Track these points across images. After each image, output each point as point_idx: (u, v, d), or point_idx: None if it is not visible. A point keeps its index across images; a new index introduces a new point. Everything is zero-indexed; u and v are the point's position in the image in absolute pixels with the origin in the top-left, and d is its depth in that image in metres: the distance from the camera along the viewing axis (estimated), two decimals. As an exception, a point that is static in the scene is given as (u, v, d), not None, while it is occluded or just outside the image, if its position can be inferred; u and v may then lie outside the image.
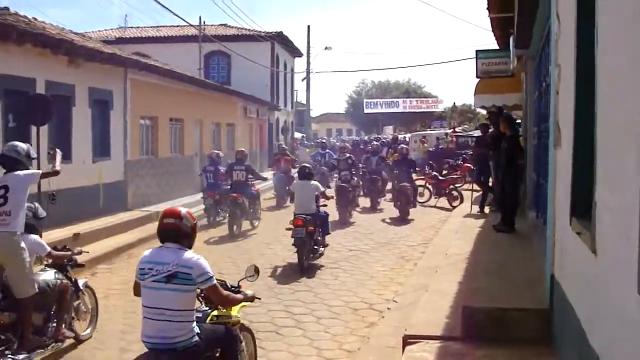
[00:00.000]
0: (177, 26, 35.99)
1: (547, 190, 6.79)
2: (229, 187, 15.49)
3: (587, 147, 4.12)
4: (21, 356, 5.89)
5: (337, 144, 37.22)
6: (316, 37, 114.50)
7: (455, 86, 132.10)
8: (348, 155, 18.92)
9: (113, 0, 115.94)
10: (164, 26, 37.96)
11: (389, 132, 57.05)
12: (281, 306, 8.48)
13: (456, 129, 35.91)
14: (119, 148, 16.40)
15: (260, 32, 36.56)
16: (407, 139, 34.59)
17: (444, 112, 63.37)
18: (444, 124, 53.02)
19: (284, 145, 25.30)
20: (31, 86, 12.37)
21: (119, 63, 16.01)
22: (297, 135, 45.82)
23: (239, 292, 5.08)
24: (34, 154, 6.79)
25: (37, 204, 6.99)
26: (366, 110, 64.61)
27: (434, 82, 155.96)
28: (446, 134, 34.29)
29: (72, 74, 13.92)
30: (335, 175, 19.76)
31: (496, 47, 16.23)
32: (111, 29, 39.15)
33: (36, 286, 6.17)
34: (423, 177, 20.19)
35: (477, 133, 23.63)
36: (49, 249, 6.65)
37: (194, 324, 4.50)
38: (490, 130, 14.07)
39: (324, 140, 32.47)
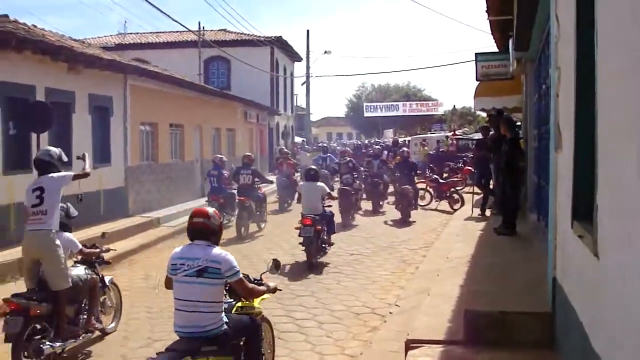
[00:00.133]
0: (177, 32, 36.01)
1: (548, 193, 6.77)
2: (235, 190, 15.91)
3: (588, 149, 4.11)
4: (57, 344, 6.37)
5: (338, 147, 37.23)
6: (315, 42, 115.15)
7: (455, 89, 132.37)
8: (349, 159, 18.99)
9: (112, 6, 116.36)
10: (163, 32, 37.94)
11: (389, 135, 57.05)
12: (283, 311, 8.46)
13: (456, 132, 35.90)
14: (119, 154, 16.40)
15: (259, 37, 36.62)
16: (408, 142, 34.58)
17: (444, 115, 63.40)
18: (444, 126, 53.13)
19: (286, 150, 25.37)
20: (31, 93, 12.38)
21: (119, 69, 16.01)
22: (298, 139, 45.82)
23: (261, 284, 5.51)
24: (65, 158, 7.22)
25: (68, 204, 7.48)
26: (366, 114, 64.55)
27: (434, 85, 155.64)
28: (446, 136, 34.31)
29: (72, 81, 13.93)
30: (337, 179, 19.79)
31: (496, 49, 16.27)
32: (110, 35, 39.25)
33: (70, 280, 6.65)
34: (424, 180, 20.21)
35: (478, 136, 23.65)
36: (80, 246, 7.20)
37: (223, 314, 4.86)
38: (490, 133, 14.07)
39: (325, 145, 32.48)
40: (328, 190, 12.59)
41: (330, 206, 12.61)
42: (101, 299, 7.48)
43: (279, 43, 38.60)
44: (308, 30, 47.51)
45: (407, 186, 16.95)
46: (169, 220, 16.64)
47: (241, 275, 4.90)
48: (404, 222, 16.53)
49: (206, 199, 16.90)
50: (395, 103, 65.76)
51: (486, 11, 12.10)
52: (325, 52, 46.54)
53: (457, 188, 19.39)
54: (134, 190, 17.04)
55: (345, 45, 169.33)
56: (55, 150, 7.05)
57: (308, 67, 43.64)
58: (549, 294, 6.07)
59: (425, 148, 29.92)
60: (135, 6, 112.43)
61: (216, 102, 25.45)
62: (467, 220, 14.14)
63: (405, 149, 21.31)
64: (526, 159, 13.03)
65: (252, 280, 5.50)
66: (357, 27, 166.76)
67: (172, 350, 4.59)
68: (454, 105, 63.22)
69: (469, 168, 20.84)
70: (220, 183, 16.52)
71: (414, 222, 16.59)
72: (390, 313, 8.19)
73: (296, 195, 15.99)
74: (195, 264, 4.71)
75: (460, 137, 33.48)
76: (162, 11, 43.18)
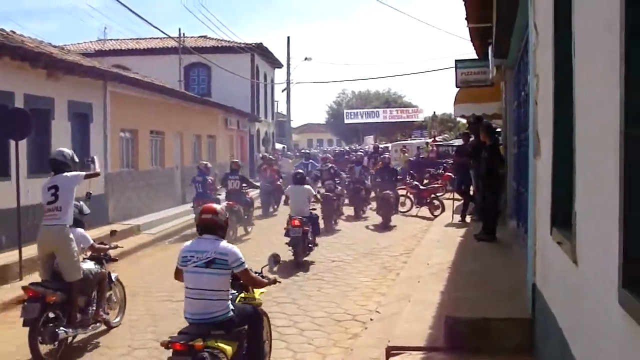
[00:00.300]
0: (157, 38, 35.82)
1: (528, 200, 6.82)
2: (219, 196, 16.39)
3: (566, 156, 4.13)
4: (70, 330, 6.95)
5: (320, 155, 37.28)
6: (296, 49, 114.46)
7: (435, 96, 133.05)
8: (330, 165, 19.14)
9: (92, 12, 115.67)
10: (143, 38, 37.75)
11: (369, 142, 57.09)
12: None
13: (437, 138, 36.09)
14: (99, 161, 16.20)
15: (240, 43, 36.60)
16: (389, 149, 34.66)
17: (424, 122, 63.78)
18: (424, 133, 53.35)
19: (270, 156, 25.42)
20: (10, 100, 12.24)
21: (99, 76, 15.91)
22: (278, 146, 45.82)
23: (262, 277, 5.92)
24: (76, 159, 7.77)
25: (82, 202, 8.07)
26: (346, 121, 64.78)
27: (414, 92, 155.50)
28: (427, 143, 34.39)
29: (51, 87, 13.81)
30: (319, 185, 19.86)
31: (475, 56, 16.36)
32: (90, 42, 38.93)
33: (81, 272, 7.17)
34: (404, 186, 20.27)
35: (458, 142, 23.76)
36: (92, 241, 7.76)
37: (229, 302, 5.28)
38: (471, 140, 14.14)
39: (307, 151, 32.50)
40: (314, 193, 13.29)
41: (314, 209, 13.18)
42: (107, 294, 7.89)
43: (260, 50, 38.55)
44: (289, 37, 47.38)
45: (388, 191, 17.19)
46: (149, 228, 16.53)
47: (246, 266, 5.29)
48: (385, 226, 16.68)
49: (191, 204, 16.94)
50: (375, 109, 66.10)
51: (466, 19, 12.17)
52: (306, 58, 46.85)
53: (438, 194, 19.48)
54: (114, 197, 16.89)
55: (325, 52, 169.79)
56: (69, 151, 7.66)
57: (289, 74, 43.76)
58: (529, 300, 6.10)
59: (406, 154, 30.00)
60: (115, 13, 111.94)
61: (197, 109, 25.35)
62: (447, 227, 14.20)
63: (386, 154, 21.38)
64: (506, 165, 13.09)
65: (254, 272, 5.83)
66: (338, 34, 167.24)
67: (184, 334, 4.94)
68: (434, 112, 63.59)
69: (449, 174, 20.95)
70: (205, 189, 16.60)
71: (395, 226, 16.70)
72: (371, 320, 8.17)
73: (283, 198, 16.55)
74: (204, 256, 5.12)
75: (441, 143, 33.60)
76: (142, 17, 42.97)
